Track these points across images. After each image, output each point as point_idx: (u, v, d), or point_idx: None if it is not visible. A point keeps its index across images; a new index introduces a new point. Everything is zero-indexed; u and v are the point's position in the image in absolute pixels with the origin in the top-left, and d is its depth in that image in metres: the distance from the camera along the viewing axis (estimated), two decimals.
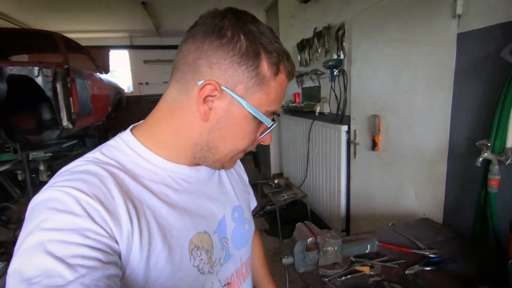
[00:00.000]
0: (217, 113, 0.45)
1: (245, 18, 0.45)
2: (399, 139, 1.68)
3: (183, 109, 0.47)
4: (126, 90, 5.35)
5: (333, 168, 2.36)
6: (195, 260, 0.47)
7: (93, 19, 4.30)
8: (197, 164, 0.53)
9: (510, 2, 1.03)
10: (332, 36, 2.24)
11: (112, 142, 0.49)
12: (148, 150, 0.48)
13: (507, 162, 1.00)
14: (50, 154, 2.32)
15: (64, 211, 0.36)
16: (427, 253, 1.10)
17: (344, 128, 2.17)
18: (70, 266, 0.32)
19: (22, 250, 0.34)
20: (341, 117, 2.23)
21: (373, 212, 1.98)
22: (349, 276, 1.02)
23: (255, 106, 0.46)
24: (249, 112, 0.46)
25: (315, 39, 2.45)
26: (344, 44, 2.09)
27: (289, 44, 3.17)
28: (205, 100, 0.44)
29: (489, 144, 1.04)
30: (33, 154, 2.23)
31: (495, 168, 1.04)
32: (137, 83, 5.58)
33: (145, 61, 5.52)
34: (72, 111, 2.43)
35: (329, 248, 1.06)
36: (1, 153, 2.06)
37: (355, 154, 2.11)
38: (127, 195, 0.42)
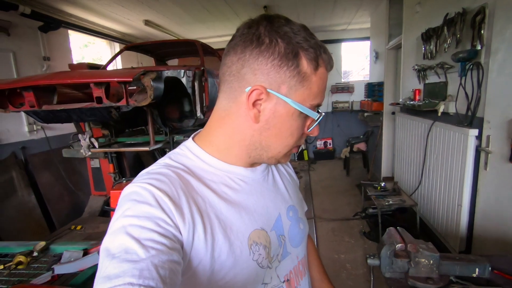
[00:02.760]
0: (265, 114, 0.49)
1: (279, 21, 0.48)
2: None
3: (233, 115, 0.51)
4: None
5: (454, 178, 2.03)
6: (254, 255, 0.50)
7: (224, 26, 5.02)
8: (252, 165, 0.57)
9: None
10: (467, 23, 1.89)
11: (178, 149, 0.56)
12: (207, 154, 0.54)
13: None
14: (187, 138, 2.96)
15: (142, 202, 0.43)
16: None
17: (474, 132, 1.82)
18: (144, 246, 0.38)
19: (110, 231, 0.41)
20: (470, 119, 1.88)
21: (504, 238, 1.62)
22: None
23: (300, 102, 0.48)
24: (295, 109, 0.49)
25: (445, 27, 2.12)
26: (482, 32, 1.74)
27: (412, 34, 2.84)
28: (254, 104, 0.48)
29: None
30: (176, 137, 2.89)
31: None
32: None
33: None
34: (204, 104, 2.99)
35: (423, 260, 1.00)
36: (157, 135, 2.77)
37: (486, 164, 1.75)
38: (191, 194, 0.47)
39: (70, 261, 1.23)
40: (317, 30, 5.44)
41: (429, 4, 2.50)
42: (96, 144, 2.30)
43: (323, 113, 0.53)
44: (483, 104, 1.77)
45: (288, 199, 0.63)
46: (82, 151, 2.27)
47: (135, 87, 2.28)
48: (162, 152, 4.87)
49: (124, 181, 2.31)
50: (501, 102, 1.63)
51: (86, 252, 1.29)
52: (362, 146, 5.02)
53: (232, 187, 0.53)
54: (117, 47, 5.21)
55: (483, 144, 1.76)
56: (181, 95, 2.93)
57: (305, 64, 0.48)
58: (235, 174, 0.54)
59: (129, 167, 3.68)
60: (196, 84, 2.89)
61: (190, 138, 0.58)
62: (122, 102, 1.93)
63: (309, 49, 0.48)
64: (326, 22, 5.06)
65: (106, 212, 3.61)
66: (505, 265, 1.04)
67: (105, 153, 3.02)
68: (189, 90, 2.81)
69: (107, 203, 2.12)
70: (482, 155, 1.78)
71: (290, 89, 0.48)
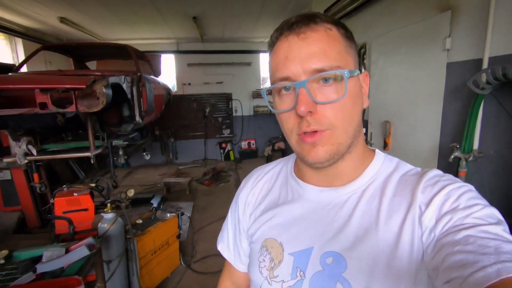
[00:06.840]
0: None
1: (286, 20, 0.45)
2: (404, 141, 2.09)
3: None
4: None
5: None
6: (260, 256, 0.52)
7: (150, 29, 5.00)
8: (331, 183, 0.50)
9: (479, 44, 1.43)
10: None
11: None
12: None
13: (470, 159, 1.41)
14: (127, 142, 2.99)
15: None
16: None
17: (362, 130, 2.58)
18: (226, 223, 0.66)
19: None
20: None
21: None
22: None
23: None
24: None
25: None
26: (365, 61, 2.51)
27: None
28: None
29: (458, 146, 1.45)
30: (115, 142, 2.90)
31: (463, 163, 1.45)
32: (181, 83, 6.25)
33: (189, 64, 6.17)
34: (142, 109, 3.08)
35: None
36: (96, 140, 2.74)
37: None
38: (253, 185, 0.63)
39: (53, 259, 1.31)
40: (239, 40, 5.94)
41: None
42: (34, 151, 2.17)
43: (286, 84, 0.43)
44: (368, 111, 2.54)
45: (343, 246, 0.44)
46: (17, 159, 2.11)
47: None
48: (80, 160, 4.53)
49: (65, 189, 2.24)
50: (377, 109, 2.41)
51: (67, 250, 1.39)
52: (281, 144, 5.78)
53: (285, 193, 0.57)
54: (19, 43, 4.54)
55: (368, 138, 2.53)
56: (120, 100, 2.94)
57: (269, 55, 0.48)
58: (293, 182, 0.57)
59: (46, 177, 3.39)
60: (134, 89, 2.96)
61: None
62: (71, 109, 1.94)
63: (273, 34, 0.46)
64: (248, 34, 5.61)
65: (23, 228, 3.24)
66: None
67: (29, 162, 2.76)
68: (129, 96, 2.87)
69: (50, 210, 2.01)
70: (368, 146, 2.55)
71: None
